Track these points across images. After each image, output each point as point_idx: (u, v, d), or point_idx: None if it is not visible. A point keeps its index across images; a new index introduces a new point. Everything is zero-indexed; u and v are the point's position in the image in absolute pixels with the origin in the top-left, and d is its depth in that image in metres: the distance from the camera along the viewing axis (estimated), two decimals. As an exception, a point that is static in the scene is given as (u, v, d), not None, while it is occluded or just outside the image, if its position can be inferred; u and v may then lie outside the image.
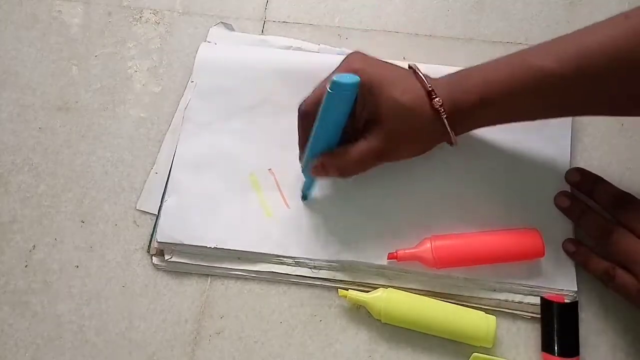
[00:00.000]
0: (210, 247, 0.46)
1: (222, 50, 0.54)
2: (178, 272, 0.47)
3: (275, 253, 0.47)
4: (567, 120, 0.50)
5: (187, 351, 0.45)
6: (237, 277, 0.47)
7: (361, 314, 0.46)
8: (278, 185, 0.49)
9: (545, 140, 0.50)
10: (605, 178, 0.45)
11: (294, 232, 0.47)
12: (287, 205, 0.48)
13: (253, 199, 0.49)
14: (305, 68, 0.52)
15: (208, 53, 0.54)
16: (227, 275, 0.47)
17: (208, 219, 0.48)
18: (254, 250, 0.47)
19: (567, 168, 0.48)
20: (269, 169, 0.50)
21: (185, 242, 0.47)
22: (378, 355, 0.45)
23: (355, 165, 0.43)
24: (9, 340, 0.46)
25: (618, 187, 0.44)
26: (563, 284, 0.45)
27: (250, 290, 0.47)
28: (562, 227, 0.47)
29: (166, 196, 0.49)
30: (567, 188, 0.48)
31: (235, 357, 0.45)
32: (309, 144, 0.43)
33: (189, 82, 0.53)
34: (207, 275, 0.47)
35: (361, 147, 0.42)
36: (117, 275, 0.47)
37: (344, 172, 0.44)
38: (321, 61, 0.53)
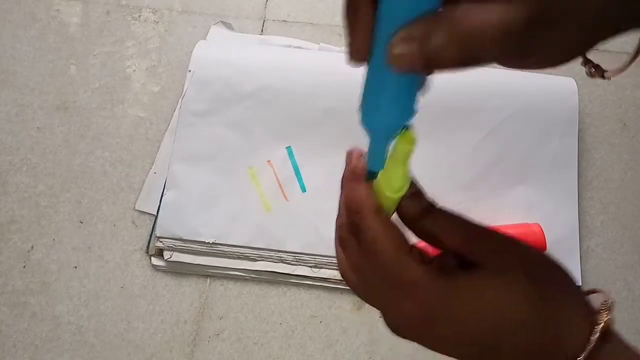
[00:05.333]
0: (209, 243, 0.46)
1: (219, 44, 0.54)
2: (177, 273, 0.47)
3: (275, 248, 0.46)
4: (573, 119, 0.50)
5: (186, 352, 0.45)
6: (237, 278, 0.47)
7: (362, 314, 0.45)
8: (277, 178, 0.49)
9: (551, 138, 0.49)
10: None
11: (294, 227, 0.47)
12: (286, 199, 0.48)
13: (252, 193, 0.48)
14: (305, 57, 0.52)
15: (206, 45, 0.53)
16: (226, 276, 0.47)
17: (206, 214, 0.47)
18: (253, 246, 0.46)
19: (574, 165, 0.48)
20: (268, 161, 0.49)
21: (184, 237, 0.46)
22: (379, 357, 0.44)
23: (485, 32, 0.18)
24: (8, 341, 0.46)
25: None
26: None
27: (250, 291, 0.47)
28: (565, 222, 0.47)
29: (165, 190, 0.49)
30: (575, 186, 0.47)
31: (234, 359, 0.45)
32: (381, 11, 0.19)
33: (188, 72, 0.52)
34: (206, 276, 0.47)
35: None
36: (115, 276, 0.47)
37: (465, 46, 0.18)
38: (320, 53, 0.53)
